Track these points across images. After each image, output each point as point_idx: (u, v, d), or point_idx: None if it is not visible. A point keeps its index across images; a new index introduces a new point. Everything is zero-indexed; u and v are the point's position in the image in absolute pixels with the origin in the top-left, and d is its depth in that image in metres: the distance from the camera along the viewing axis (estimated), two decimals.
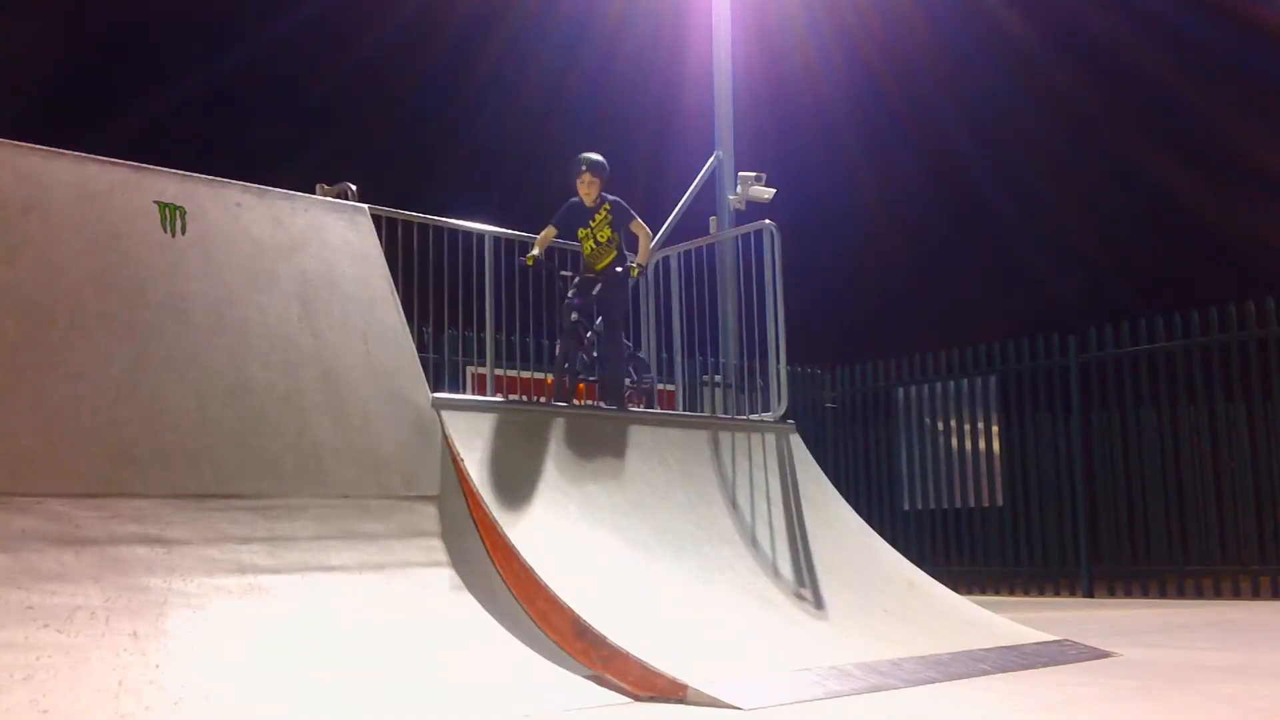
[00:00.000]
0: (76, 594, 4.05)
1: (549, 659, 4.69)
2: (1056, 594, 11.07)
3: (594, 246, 6.86)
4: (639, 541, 5.68)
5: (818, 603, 5.79)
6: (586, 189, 6.77)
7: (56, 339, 4.61)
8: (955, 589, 7.19)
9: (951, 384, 12.18)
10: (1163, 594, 10.35)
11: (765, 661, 4.79)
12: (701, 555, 5.83)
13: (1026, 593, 11.29)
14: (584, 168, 6.76)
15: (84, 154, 5.06)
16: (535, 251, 6.74)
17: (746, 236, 7.98)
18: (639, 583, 5.35)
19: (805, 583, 5.99)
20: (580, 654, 4.71)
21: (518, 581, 5.10)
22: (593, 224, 6.81)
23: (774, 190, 9.67)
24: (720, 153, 9.76)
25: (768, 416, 7.49)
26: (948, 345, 12.29)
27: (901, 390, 12.63)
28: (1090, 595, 10.80)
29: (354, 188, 6.24)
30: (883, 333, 19.56)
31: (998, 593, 11.31)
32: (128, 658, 3.87)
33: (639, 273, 7.00)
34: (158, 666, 3.87)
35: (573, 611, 4.79)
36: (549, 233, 6.82)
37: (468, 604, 4.97)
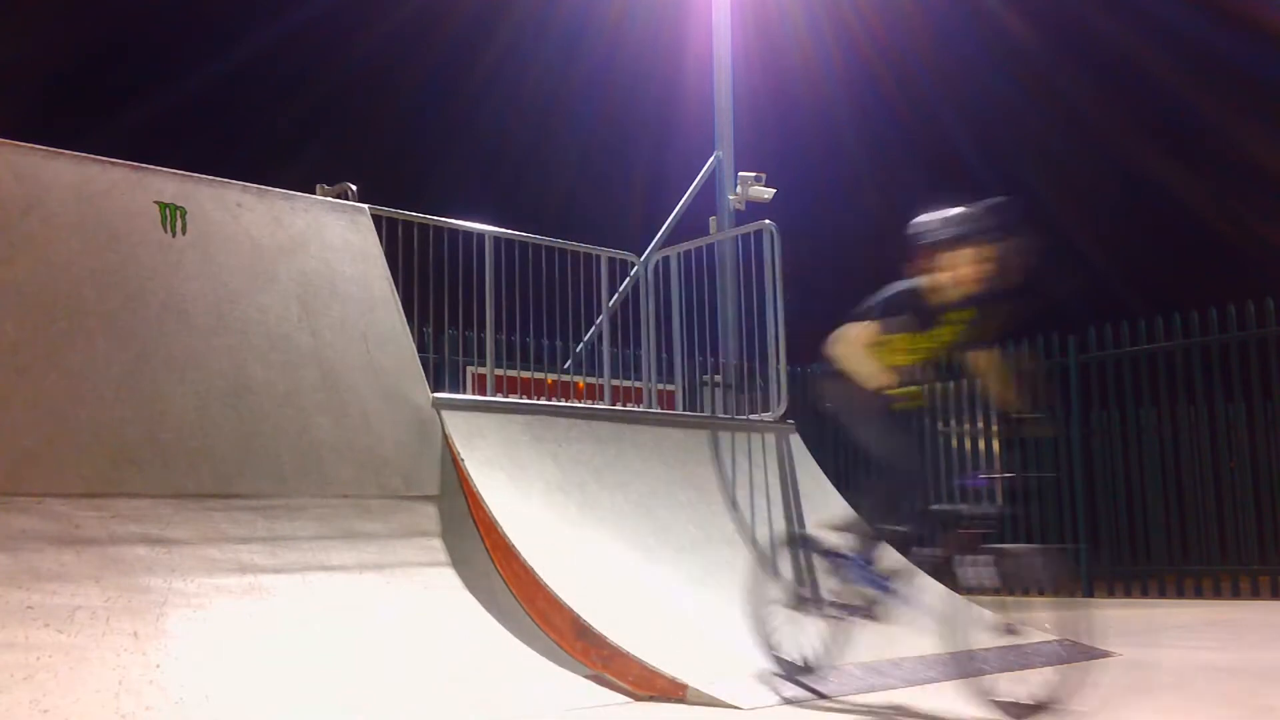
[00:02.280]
0: (77, 594, 4.05)
1: (549, 659, 4.68)
2: (1056, 594, 11.05)
3: (923, 362, 4.27)
4: (639, 541, 5.68)
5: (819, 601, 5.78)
6: (970, 269, 3.97)
7: (57, 339, 4.61)
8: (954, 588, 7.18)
9: (951, 383, 12.18)
10: (1162, 594, 10.34)
11: (765, 661, 4.79)
12: (702, 555, 5.83)
13: (1026, 592, 11.26)
14: (983, 237, 3.95)
15: (84, 154, 5.05)
16: (897, 383, 4.08)
17: (746, 236, 7.98)
18: (639, 583, 5.35)
19: (804, 582, 5.98)
20: (580, 654, 4.71)
21: (518, 582, 5.09)
22: (941, 326, 4.12)
23: (774, 190, 9.67)
24: (720, 152, 9.77)
25: (767, 416, 7.49)
26: None
27: None
28: (1090, 595, 10.80)
29: (354, 188, 6.24)
30: None
31: (997, 592, 11.29)
32: (128, 657, 3.87)
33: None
34: (158, 666, 3.87)
35: (572, 611, 4.78)
36: (873, 334, 4.06)
37: (468, 604, 4.97)
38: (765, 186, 9.62)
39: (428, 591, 4.94)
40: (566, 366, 7.95)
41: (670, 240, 8.80)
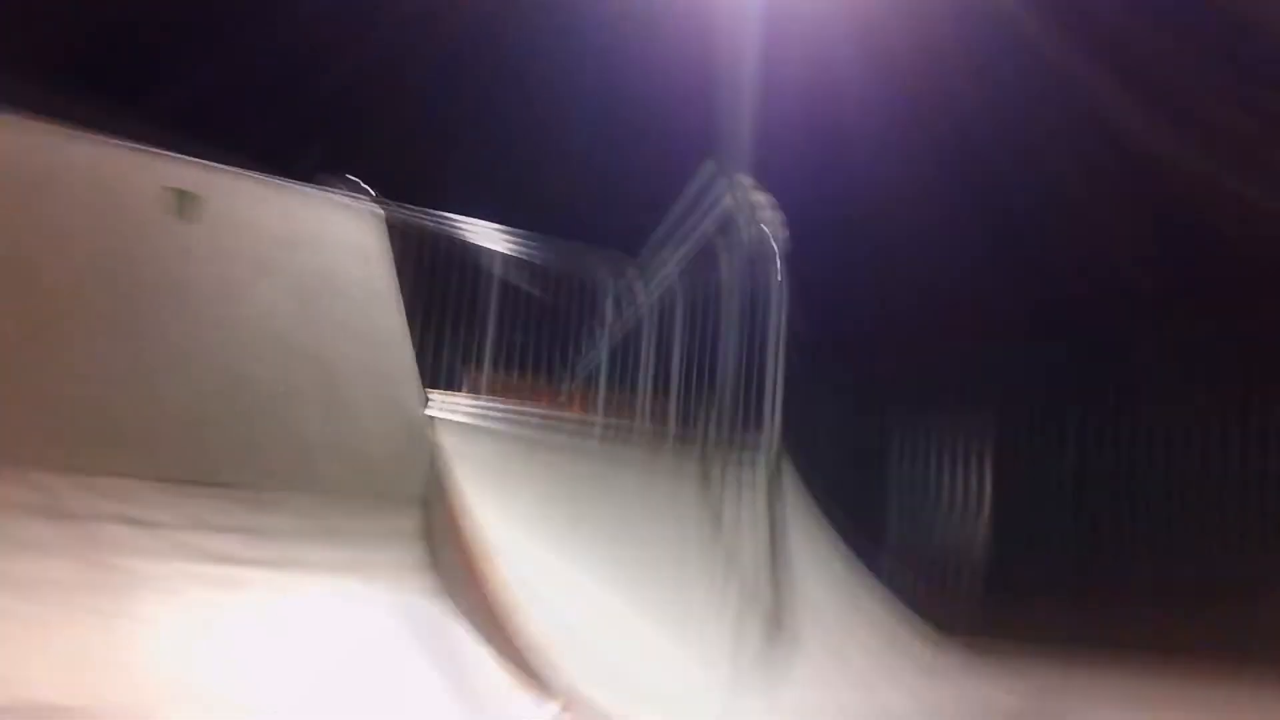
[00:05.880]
0: (50, 566, 4.06)
1: (514, 682, 4.64)
2: None
3: None
4: (619, 571, 5.61)
5: (792, 645, 5.74)
6: None
7: (55, 317, 4.62)
8: None
9: None
10: None
11: (733, 708, 4.75)
12: (680, 587, 5.78)
13: None
14: None
15: (100, 137, 5.05)
16: None
17: None
18: (612, 615, 5.27)
19: (783, 624, 5.92)
20: (540, 686, 4.64)
21: (490, 598, 5.03)
22: None
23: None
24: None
25: (758, 442, 7.44)
26: None
27: None
28: None
29: (367, 188, 6.23)
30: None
31: None
32: (92, 633, 3.86)
33: None
34: (122, 645, 3.86)
35: (538, 639, 4.68)
36: None
37: (440, 611, 4.95)
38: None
39: (402, 595, 4.92)
40: (563, 377, 7.93)
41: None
